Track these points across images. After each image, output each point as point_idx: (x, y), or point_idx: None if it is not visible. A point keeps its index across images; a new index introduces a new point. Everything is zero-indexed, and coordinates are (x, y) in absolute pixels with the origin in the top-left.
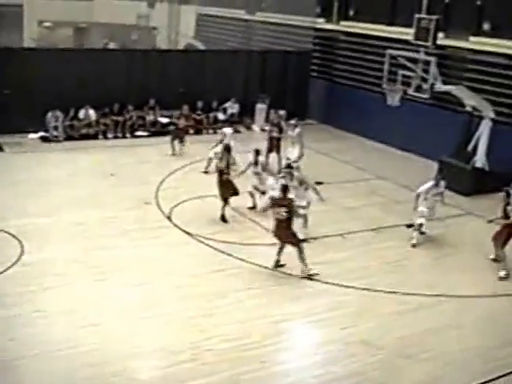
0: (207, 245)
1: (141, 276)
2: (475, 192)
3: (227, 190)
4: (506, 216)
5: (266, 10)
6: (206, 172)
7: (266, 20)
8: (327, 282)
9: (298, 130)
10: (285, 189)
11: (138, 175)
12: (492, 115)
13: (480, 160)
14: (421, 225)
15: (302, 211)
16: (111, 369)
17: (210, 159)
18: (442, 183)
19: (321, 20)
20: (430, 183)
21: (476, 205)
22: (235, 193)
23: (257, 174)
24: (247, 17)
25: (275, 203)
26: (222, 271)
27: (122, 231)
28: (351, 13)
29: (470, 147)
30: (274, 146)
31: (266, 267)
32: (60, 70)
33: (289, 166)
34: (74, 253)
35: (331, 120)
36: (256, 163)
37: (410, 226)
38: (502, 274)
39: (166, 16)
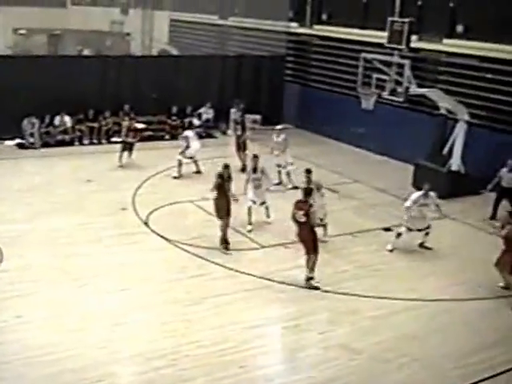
0: (185, 250)
1: (119, 282)
2: (451, 195)
3: (222, 208)
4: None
5: (239, 15)
6: (177, 177)
7: (240, 25)
8: (304, 287)
9: (283, 135)
10: (307, 192)
11: (115, 181)
12: (467, 118)
13: (455, 163)
14: (399, 234)
15: (319, 220)
16: (91, 374)
17: (180, 164)
18: (432, 194)
19: (294, 24)
20: (418, 194)
21: (452, 208)
22: (227, 214)
23: (256, 180)
24: (220, 22)
25: (296, 206)
26: (200, 276)
27: (99, 237)
28: (324, 17)
29: (445, 150)
30: (241, 143)
31: (243, 272)
32: (35, 77)
33: (308, 171)
34: (53, 259)
35: (306, 124)
36: (255, 170)
37: (387, 229)
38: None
39: (140, 22)
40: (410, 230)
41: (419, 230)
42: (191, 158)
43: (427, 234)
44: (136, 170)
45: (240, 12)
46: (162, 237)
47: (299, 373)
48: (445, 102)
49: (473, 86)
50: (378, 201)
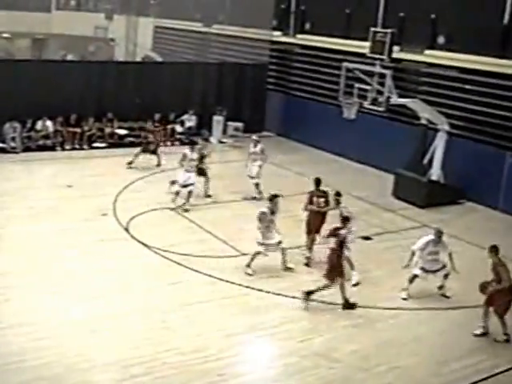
0: (164, 257)
1: (97, 288)
2: (431, 204)
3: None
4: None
5: (223, 23)
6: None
7: (223, 33)
8: (282, 295)
9: (260, 145)
10: (345, 220)
11: (96, 186)
12: (447, 128)
13: (435, 172)
14: (415, 276)
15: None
16: (67, 382)
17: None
18: (445, 241)
19: (277, 33)
20: (427, 239)
21: (431, 217)
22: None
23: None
24: (204, 29)
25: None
26: (179, 283)
27: (78, 243)
28: (307, 26)
29: (425, 160)
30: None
31: (222, 279)
32: (18, 81)
33: (337, 193)
34: (29, 265)
35: (288, 132)
36: (273, 212)
37: (366, 238)
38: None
39: (124, 28)
40: (425, 271)
41: (434, 272)
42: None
43: (446, 276)
44: (117, 176)
45: (224, 20)
46: (141, 243)
47: (278, 381)
48: (425, 112)
49: (453, 97)
50: (356, 209)
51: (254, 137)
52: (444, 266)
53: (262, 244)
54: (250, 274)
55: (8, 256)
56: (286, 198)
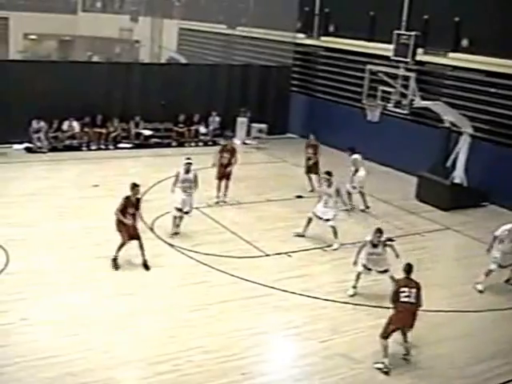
0: (189, 256)
1: (123, 286)
2: (454, 207)
3: None
4: None
5: (247, 25)
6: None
7: (247, 35)
8: (305, 295)
9: (194, 172)
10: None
11: (121, 186)
12: (471, 131)
13: (459, 175)
14: (490, 271)
15: (330, 223)
16: (93, 378)
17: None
18: None
19: (301, 35)
20: (510, 225)
21: (454, 220)
22: None
23: (375, 255)
24: (228, 31)
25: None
26: (204, 283)
27: (104, 242)
28: (331, 28)
29: (448, 163)
30: None
31: (246, 279)
32: (45, 82)
33: (328, 173)
34: (57, 263)
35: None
36: (375, 245)
37: (389, 240)
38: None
39: (149, 30)
40: (501, 267)
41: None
42: (354, 187)
43: None
44: (142, 176)
45: (248, 22)
46: (166, 243)
47: (300, 381)
48: (449, 115)
49: (477, 100)
50: (379, 211)
51: (187, 160)
52: None
53: (365, 268)
54: (351, 295)
55: (35, 254)
56: (307, 199)
